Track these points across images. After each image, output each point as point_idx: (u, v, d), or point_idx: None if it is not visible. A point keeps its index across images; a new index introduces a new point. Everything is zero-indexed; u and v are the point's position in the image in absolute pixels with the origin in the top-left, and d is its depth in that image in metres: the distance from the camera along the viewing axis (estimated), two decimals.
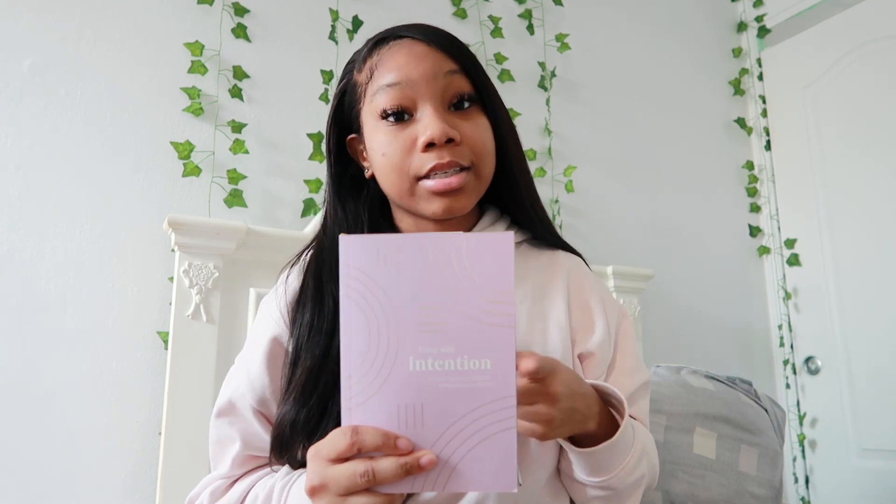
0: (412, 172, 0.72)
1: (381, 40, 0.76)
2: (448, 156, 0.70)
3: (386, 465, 0.51)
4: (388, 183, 0.74)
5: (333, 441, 0.53)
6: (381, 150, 0.73)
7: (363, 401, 0.52)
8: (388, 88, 0.72)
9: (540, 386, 0.59)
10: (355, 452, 0.52)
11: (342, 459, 0.53)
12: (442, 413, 0.52)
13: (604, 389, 0.68)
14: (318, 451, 0.55)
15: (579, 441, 0.67)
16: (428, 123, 0.70)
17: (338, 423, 0.58)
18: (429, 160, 0.70)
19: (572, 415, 0.62)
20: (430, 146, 0.70)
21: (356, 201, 0.80)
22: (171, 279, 1.37)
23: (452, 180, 0.71)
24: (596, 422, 0.66)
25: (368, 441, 0.52)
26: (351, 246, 0.53)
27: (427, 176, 0.71)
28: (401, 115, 0.72)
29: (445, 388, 0.52)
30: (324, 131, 1.58)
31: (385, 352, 0.52)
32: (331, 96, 1.67)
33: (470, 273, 0.52)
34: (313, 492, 0.54)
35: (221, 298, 1.35)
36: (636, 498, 0.73)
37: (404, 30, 0.76)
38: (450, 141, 0.70)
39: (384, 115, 0.72)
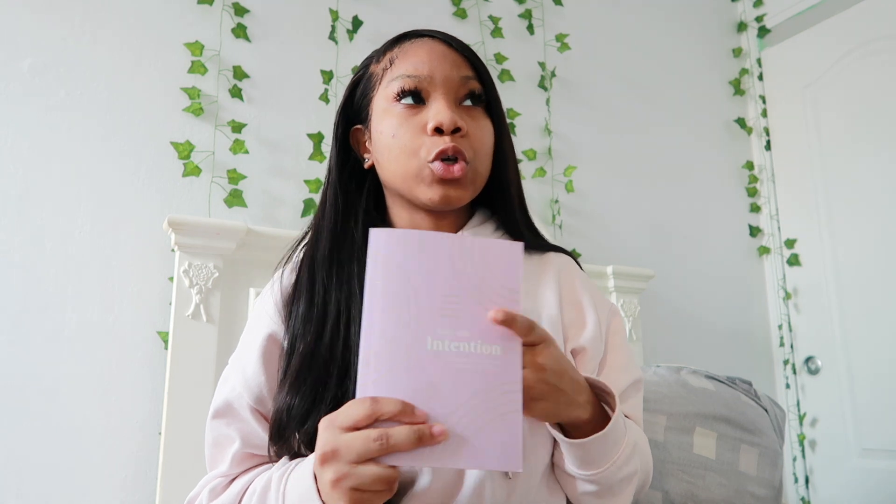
0: (421, 154, 0.74)
1: (404, 36, 0.81)
2: (453, 143, 0.74)
3: (400, 430, 0.53)
4: (395, 165, 0.76)
5: (351, 409, 0.55)
6: (391, 131, 0.76)
7: (380, 376, 0.55)
8: (406, 78, 0.76)
9: (528, 353, 0.60)
10: (372, 422, 0.54)
11: (357, 428, 0.54)
12: (454, 391, 0.55)
13: (595, 383, 0.69)
14: (333, 420, 0.56)
15: (570, 432, 0.68)
16: (439, 110, 0.74)
17: (329, 411, 0.60)
18: (436, 144, 0.74)
19: (556, 395, 0.62)
20: (437, 131, 0.74)
21: (355, 191, 0.83)
22: (171, 279, 1.37)
23: (455, 168, 0.73)
24: (585, 412, 0.66)
25: (387, 408, 0.54)
26: (381, 237, 0.57)
27: (434, 160, 0.74)
28: (417, 96, 0.76)
29: (459, 369, 0.55)
30: (328, 128, 1.61)
31: (405, 331, 0.56)
32: (331, 96, 1.67)
33: (483, 272, 0.58)
34: (324, 459, 0.55)
35: (221, 298, 1.35)
36: (627, 494, 0.73)
37: (427, 31, 0.80)
38: (456, 131, 0.74)
39: (399, 97, 0.76)
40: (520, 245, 0.59)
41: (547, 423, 0.69)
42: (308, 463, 0.63)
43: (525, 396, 0.60)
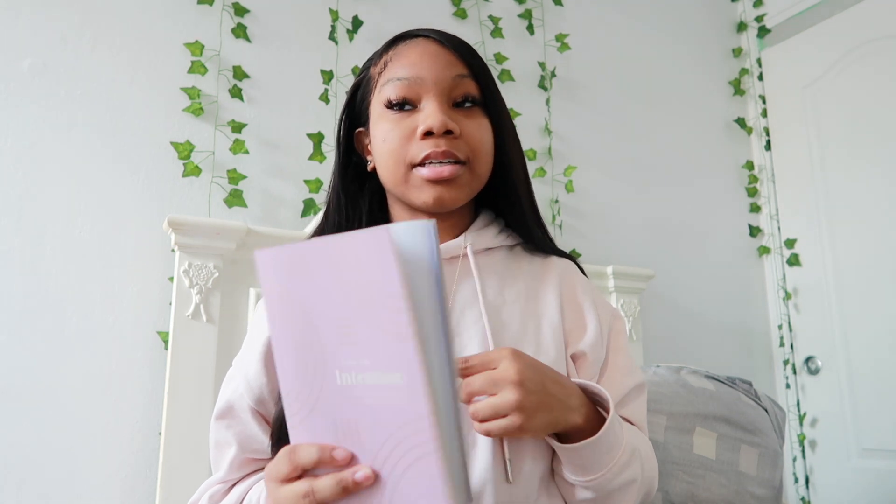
0: (408, 159, 0.74)
1: (399, 38, 0.80)
2: (444, 146, 0.73)
3: (325, 483, 0.52)
4: (386, 170, 0.77)
5: (278, 463, 0.55)
6: (382, 136, 0.76)
7: (304, 417, 0.52)
8: (397, 81, 0.75)
9: (496, 373, 0.60)
10: (299, 472, 0.53)
11: (290, 479, 0.54)
12: (372, 430, 0.49)
13: (588, 387, 0.68)
14: (269, 473, 0.57)
15: (567, 438, 0.67)
16: (429, 114, 0.73)
17: None
18: (425, 148, 0.73)
19: (549, 400, 0.62)
20: (428, 135, 0.73)
21: (357, 193, 0.83)
22: (171, 279, 1.37)
23: (444, 170, 0.73)
24: (580, 415, 0.65)
25: (305, 458, 0.53)
26: (265, 260, 0.50)
27: (422, 164, 0.73)
28: (403, 105, 0.75)
29: (370, 405, 0.49)
30: (328, 128, 1.61)
31: (314, 366, 0.50)
32: (331, 96, 1.67)
33: (362, 278, 0.47)
34: None
35: (221, 298, 1.35)
36: (627, 502, 0.71)
37: (422, 31, 0.80)
38: (448, 133, 0.73)
39: (389, 105, 0.76)
40: (385, 228, 0.46)
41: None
42: None
43: (520, 416, 0.59)
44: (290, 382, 0.52)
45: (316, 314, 0.49)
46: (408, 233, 0.48)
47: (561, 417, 0.63)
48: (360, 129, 0.83)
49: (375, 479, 0.50)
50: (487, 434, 0.61)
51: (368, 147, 0.82)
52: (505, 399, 0.60)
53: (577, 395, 0.66)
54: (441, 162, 0.73)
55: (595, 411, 0.68)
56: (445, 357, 0.48)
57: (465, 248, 0.79)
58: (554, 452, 0.72)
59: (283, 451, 0.54)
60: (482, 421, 0.61)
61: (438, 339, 0.48)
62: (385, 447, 0.49)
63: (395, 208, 0.83)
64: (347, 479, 0.51)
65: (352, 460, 0.51)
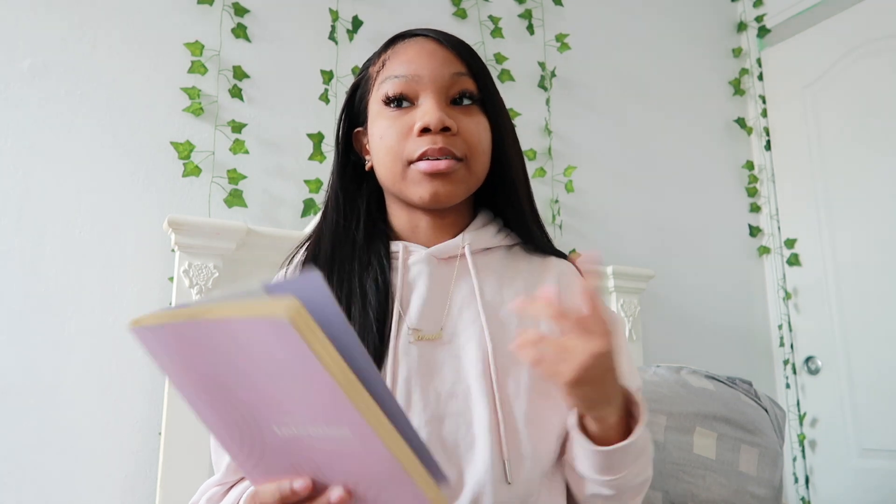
0: (405, 156, 0.74)
1: (398, 37, 0.80)
2: (441, 142, 0.73)
3: None
4: (383, 167, 0.77)
5: None
6: (380, 133, 0.76)
7: (257, 462, 0.50)
8: (395, 79, 0.76)
9: (591, 338, 0.60)
10: None
11: None
12: (334, 465, 0.48)
13: (624, 391, 0.68)
14: None
15: (593, 433, 0.67)
16: (426, 111, 0.74)
17: None
18: (422, 145, 0.73)
19: (600, 386, 0.62)
20: (425, 132, 0.73)
21: (356, 193, 0.83)
22: (171, 279, 1.37)
23: (441, 164, 0.73)
24: (615, 413, 0.66)
25: (268, 500, 0.52)
26: (146, 337, 0.45)
27: (418, 160, 0.74)
28: (400, 102, 0.75)
29: (323, 449, 0.47)
30: (328, 128, 1.61)
31: (247, 425, 0.47)
32: (331, 96, 1.67)
33: (272, 357, 0.43)
34: None
35: None
36: (637, 501, 0.72)
37: (421, 30, 0.80)
38: (446, 130, 0.73)
39: (387, 101, 0.76)
40: (284, 321, 0.41)
41: (573, 427, 0.68)
42: None
43: (573, 376, 0.60)
44: (231, 444, 0.49)
45: (231, 384, 0.45)
46: (300, 288, 0.45)
47: (598, 404, 0.64)
48: (359, 128, 0.83)
49: (351, 496, 0.49)
50: (536, 363, 0.61)
51: (367, 146, 0.82)
52: (581, 348, 0.59)
53: (620, 397, 0.67)
54: (438, 158, 0.73)
55: (626, 413, 0.68)
56: (382, 382, 0.47)
57: (463, 247, 0.79)
58: (563, 448, 0.72)
59: (248, 498, 0.55)
60: (539, 360, 0.61)
61: (371, 373, 0.46)
62: (351, 477, 0.48)
63: (392, 207, 0.83)
64: (341, 495, 0.49)
65: (315, 488, 0.49)
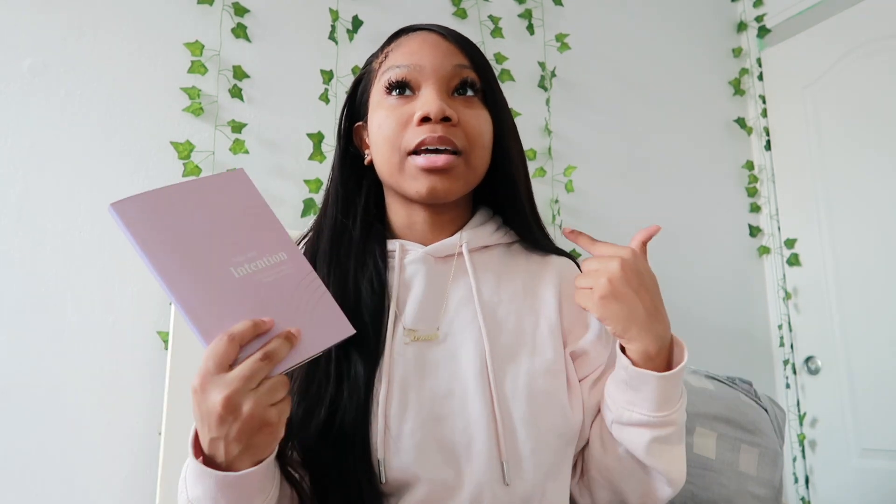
0: (403, 146, 0.73)
1: (401, 31, 0.81)
2: (441, 132, 0.72)
3: (275, 343, 0.57)
4: (381, 158, 0.76)
5: (215, 353, 0.55)
6: (379, 122, 0.76)
7: (215, 318, 0.57)
8: (396, 69, 0.75)
9: (607, 259, 0.72)
10: (237, 351, 0.55)
11: (231, 366, 0.55)
12: (277, 300, 0.61)
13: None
14: (207, 371, 0.56)
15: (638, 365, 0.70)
16: (427, 100, 0.73)
17: (327, 411, 0.63)
18: (420, 134, 0.72)
19: (632, 302, 0.69)
20: (425, 121, 0.72)
21: (355, 188, 0.83)
22: None
23: (439, 159, 0.72)
24: (658, 341, 0.70)
25: (243, 331, 0.55)
26: (126, 208, 0.58)
27: (416, 152, 0.73)
28: (403, 89, 0.75)
29: (268, 282, 0.62)
30: (328, 128, 1.61)
31: (209, 273, 0.59)
32: (331, 96, 1.67)
33: (229, 203, 0.64)
34: (226, 408, 0.54)
35: None
36: (683, 451, 0.75)
37: (425, 25, 0.80)
38: (446, 120, 0.72)
39: (388, 88, 0.76)
40: (241, 170, 0.67)
41: (625, 367, 0.70)
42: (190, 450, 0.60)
43: (596, 294, 0.68)
44: (192, 296, 0.57)
45: (195, 237, 0.60)
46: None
47: (634, 323, 0.68)
48: (360, 122, 0.83)
49: (298, 333, 0.60)
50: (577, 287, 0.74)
51: (367, 140, 0.81)
52: (606, 264, 0.70)
53: (664, 325, 0.70)
54: (437, 150, 0.72)
55: (669, 352, 0.72)
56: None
57: (461, 246, 0.79)
58: (603, 403, 0.75)
59: (215, 341, 0.55)
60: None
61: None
62: (292, 307, 0.61)
63: (390, 203, 0.82)
64: (291, 334, 0.58)
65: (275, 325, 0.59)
